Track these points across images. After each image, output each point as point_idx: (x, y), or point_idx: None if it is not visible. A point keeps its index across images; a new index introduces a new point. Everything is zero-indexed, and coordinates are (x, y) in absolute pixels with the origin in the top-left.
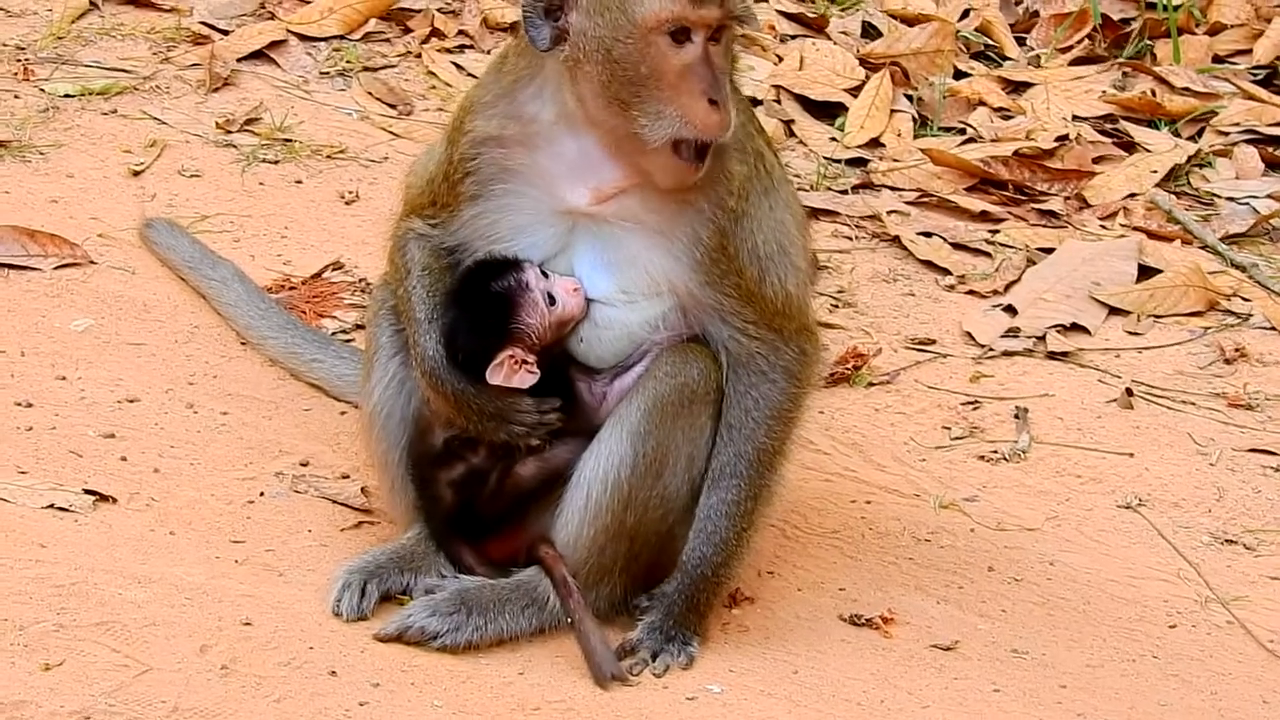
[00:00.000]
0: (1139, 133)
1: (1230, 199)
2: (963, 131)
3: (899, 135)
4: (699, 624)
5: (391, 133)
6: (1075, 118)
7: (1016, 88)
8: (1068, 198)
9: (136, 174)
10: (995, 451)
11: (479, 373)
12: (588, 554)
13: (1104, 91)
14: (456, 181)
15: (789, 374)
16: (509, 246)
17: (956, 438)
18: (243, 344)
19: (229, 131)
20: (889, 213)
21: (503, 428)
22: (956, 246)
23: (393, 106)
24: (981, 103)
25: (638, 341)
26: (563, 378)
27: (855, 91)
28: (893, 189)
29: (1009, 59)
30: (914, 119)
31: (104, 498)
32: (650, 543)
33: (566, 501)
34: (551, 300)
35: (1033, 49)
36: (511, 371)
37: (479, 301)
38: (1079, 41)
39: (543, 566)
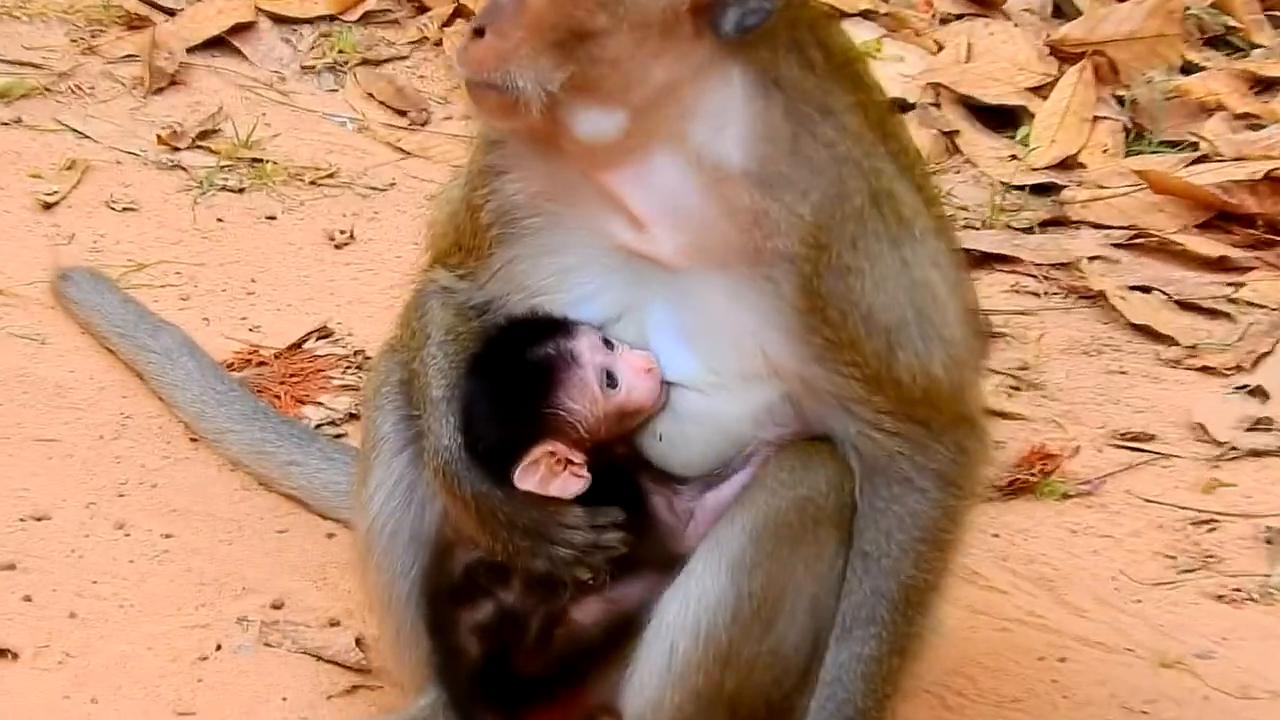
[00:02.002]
0: None
1: None
2: (1193, 147)
3: (1104, 152)
4: None
5: (400, 149)
6: None
7: (1267, 86)
8: None
9: (48, 207)
10: (1238, 590)
11: (506, 471)
12: None
13: None
14: (477, 209)
15: (943, 481)
16: (556, 300)
17: (1184, 571)
18: (193, 440)
19: (175, 148)
20: (1090, 259)
21: (542, 549)
22: (1184, 306)
23: (402, 113)
24: (1219, 107)
25: (738, 441)
26: (631, 486)
27: (1043, 92)
28: (1095, 226)
29: (1258, 46)
30: (1125, 130)
31: (1, 652)
32: (759, 715)
33: (641, 658)
34: (611, 381)
35: None
36: (550, 475)
37: (507, 374)
38: None
39: None
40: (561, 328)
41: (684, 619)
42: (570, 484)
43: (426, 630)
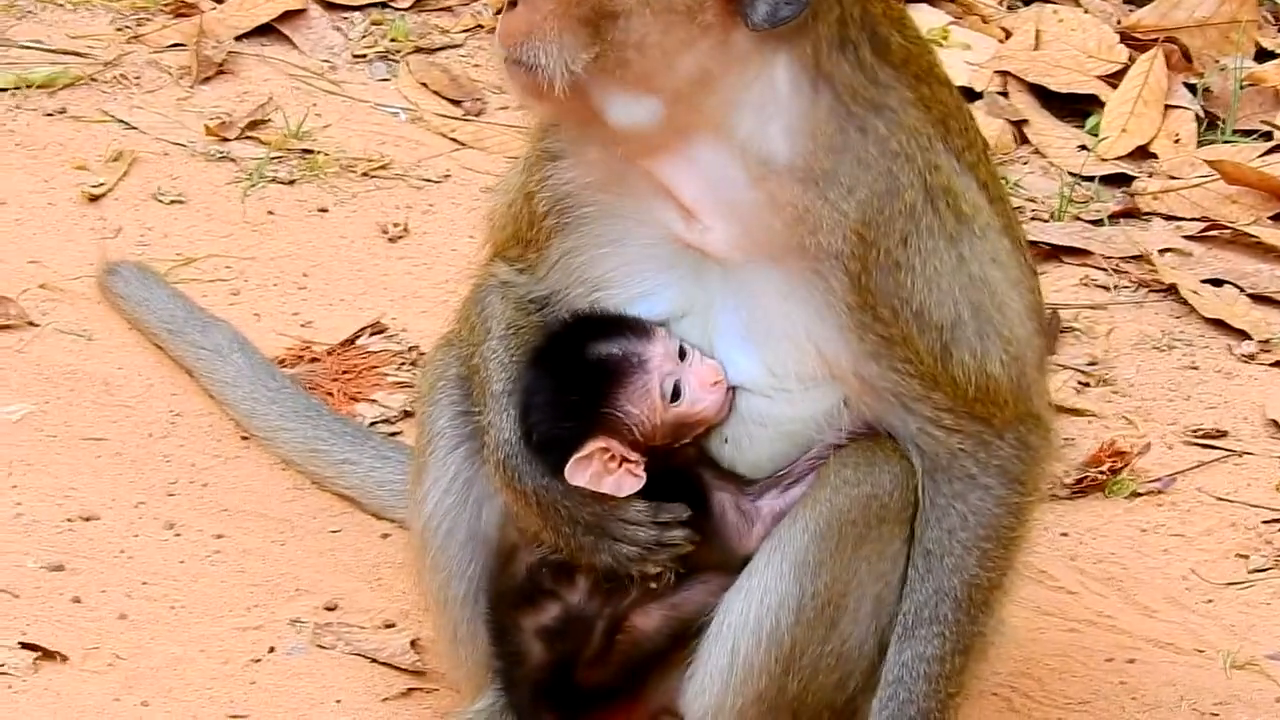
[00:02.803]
0: None
1: None
2: (1268, 136)
3: (1176, 142)
4: None
5: (454, 140)
6: None
7: None
8: None
9: (94, 199)
10: None
11: (563, 465)
12: None
13: None
14: (533, 195)
15: (1007, 477)
16: (617, 296)
17: (1257, 570)
18: (244, 439)
19: (224, 139)
20: (1162, 251)
21: (605, 545)
22: (1258, 299)
23: (456, 103)
24: None
25: (802, 444)
26: (694, 486)
27: (1114, 80)
28: (1167, 218)
29: None
30: (1198, 119)
31: (49, 654)
32: (822, 718)
33: (703, 660)
34: (675, 392)
35: None
36: (604, 471)
37: (573, 367)
38: None
39: None
40: (638, 329)
41: (746, 620)
42: (625, 482)
43: (489, 634)
